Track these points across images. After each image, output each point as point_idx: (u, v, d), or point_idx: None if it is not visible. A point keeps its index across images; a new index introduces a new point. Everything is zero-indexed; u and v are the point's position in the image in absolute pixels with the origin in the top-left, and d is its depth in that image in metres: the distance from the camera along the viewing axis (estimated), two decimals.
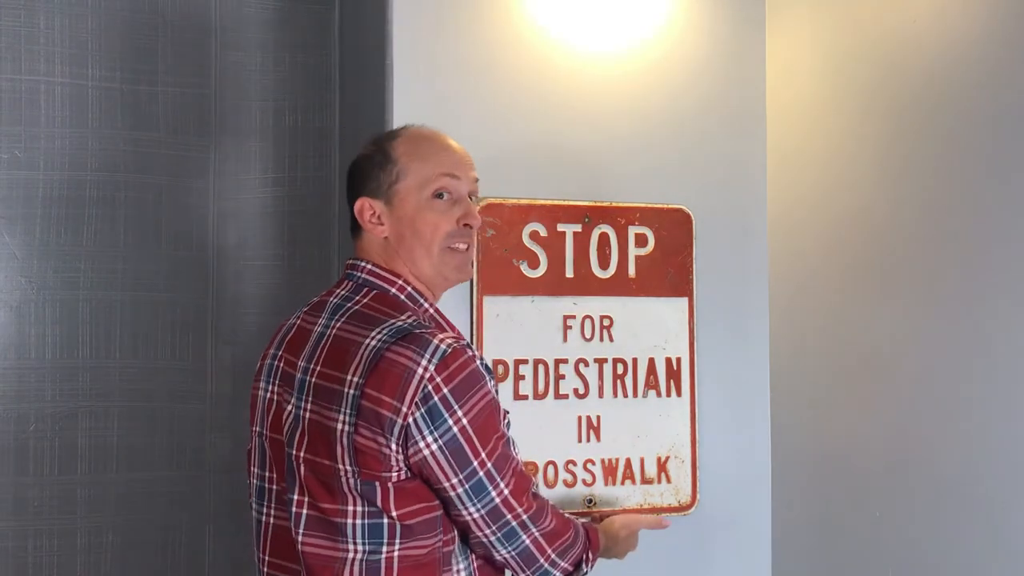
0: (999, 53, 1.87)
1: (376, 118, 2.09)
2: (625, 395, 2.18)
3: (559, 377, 2.13)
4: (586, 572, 1.65)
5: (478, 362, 1.48)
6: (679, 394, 2.22)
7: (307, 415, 1.49)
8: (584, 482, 2.14)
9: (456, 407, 1.43)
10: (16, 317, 2.36)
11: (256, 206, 2.55)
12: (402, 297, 1.57)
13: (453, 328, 1.61)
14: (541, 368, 2.12)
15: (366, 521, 1.45)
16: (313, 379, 1.50)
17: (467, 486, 1.45)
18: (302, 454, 1.49)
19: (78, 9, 2.41)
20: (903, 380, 2.06)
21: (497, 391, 1.53)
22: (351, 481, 1.44)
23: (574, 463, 2.13)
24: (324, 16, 2.61)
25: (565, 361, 2.13)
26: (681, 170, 2.26)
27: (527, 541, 1.52)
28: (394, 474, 1.44)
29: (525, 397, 2.10)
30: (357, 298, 1.56)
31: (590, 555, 1.65)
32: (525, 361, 2.11)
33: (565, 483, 2.12)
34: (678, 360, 2.22)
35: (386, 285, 1.57)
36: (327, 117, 2.59)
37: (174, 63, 2.50)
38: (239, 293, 2.54)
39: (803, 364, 2.30)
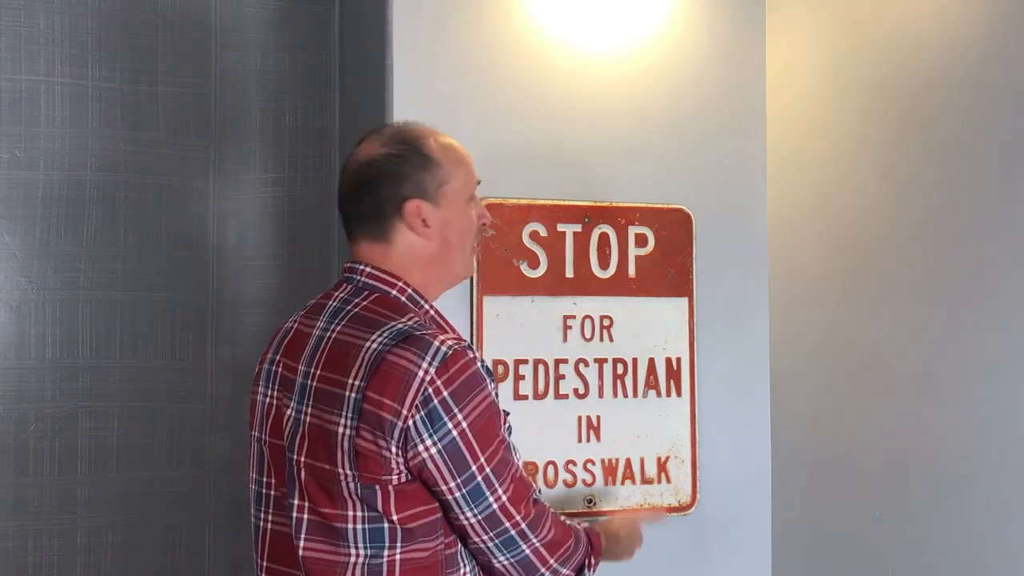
0: (999, 53, 1.87)
1: (376, 118, 2.09)
2: (625, 395, 2.18)
3: (559, 377, 2.13)
4: (589, 570, 1.64)
5: (479, 364, 1.47)
6: (679, 394, 2.22)
7: (308, 419, 1.48)
8: (584, 482, 2.14)
9: (456, 410, 1.42)
10: (16, 317, 2.36)
11: (256, 206, 2.55)
12: (403, 299, 1.56)
13: (452, 329, 1.61)
14: (541, 368, 2.12)
15: (367, 526, 1.44)
16: (314, 383, 1.49)
17: (465, 491, 1.44)
18: (302, 458, 1.48)
19: (78, 9, 2.41)
20: (903, 380, 2.06)
21: (497, 394, 1.52)
22: (351, 485, 1.44)
23: (574, 463, 2.13)
24: (324, 16, 2.61)
25: (565, 361, 2.13)
26: (681, 170, 2.26)
27: (527, 551, 1.51)
28: (394, 477, 1.43)
29: (525, 397, 2.10)
30: (357, 300, 1.54)
31: (592, 560, 1.64)
32: (525, 361, 2.11)
33: (565, 483, 2.12)
34: (678, 360, 2.22)
35: (386, 288, 1.56)
36: (327, 117, 2.59)
37: (174, 63, 2.50)
38: (239, 293, 2.54)
39: (803, 364, 2.30)
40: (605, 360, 2.16)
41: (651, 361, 2.21)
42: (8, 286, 2.36)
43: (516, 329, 2.11)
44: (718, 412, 2.25)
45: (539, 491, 1.61)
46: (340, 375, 1.46)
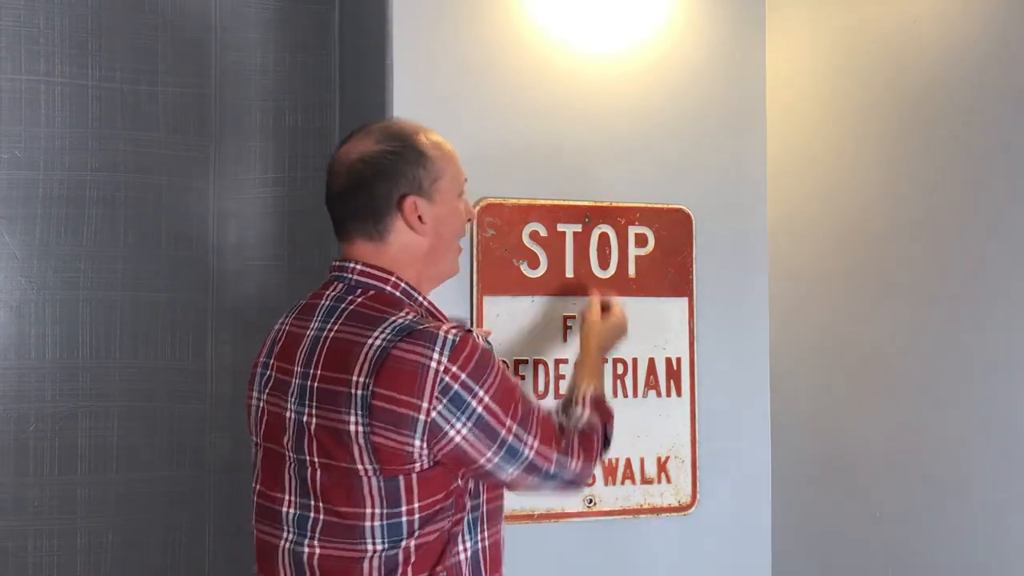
0: (1000, 53, 1.87)
1: (376, 118, 2.09)
2: (625, 395, 2.18)
3: (559, 377, 2.13)
4: (611, 436, 1.73)
5: (482, 342, 1.50)
6: (679, 394, 2.22)
7: (313, 421, 1.48)
8: None
9: (477, 388, 1.44)
10: (16, 317, 2.36)
11: (256, 206, 2.55)
12: (397, 294, 1.55)
13: (446, 319, 1.61)
14: (541, 368, 2.12)
15: (385, 522, 1.45)
16: (315, 384, 1.48)
17: (501, 454, 1.48)
18: (316, 459, 1.48)
19: (78, 9, 2.41)
20: (903, 380, 2.06)
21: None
22: (372, 480, 1.44)
23: None
24: (324, 16, 2.61)
25: (565, 361, 2.13)
26: (681, 170, 2.26)
27: (569, 474, 1.58)
28: (417, 465, 1.44)
29: None
30: (351, 298, 1.53)
31: (608, 427, 1.72)
32: (525, 361, 2.11)
33: None
34: (678, 360, 2.22)
35: (380, 284, 1.55)
36: (327, 117, 2.60)
37: (174, 63, 2.50)
38: (239, 293, 2.54)
39: (803, 364, 2.30)
40: (605, 360, 2.16)
41: (651, 361, 2.21)
42: (8, 286, 2.36)
43: (516, 329, 2.11)
44: (718, 412, 2.25)
45: (558, 413, 1.67)
46: (343, 373, 1.45)
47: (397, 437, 1.42)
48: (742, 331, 2.30)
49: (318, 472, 1.48)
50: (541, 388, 2.12)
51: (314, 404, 1.48)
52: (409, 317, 1.48)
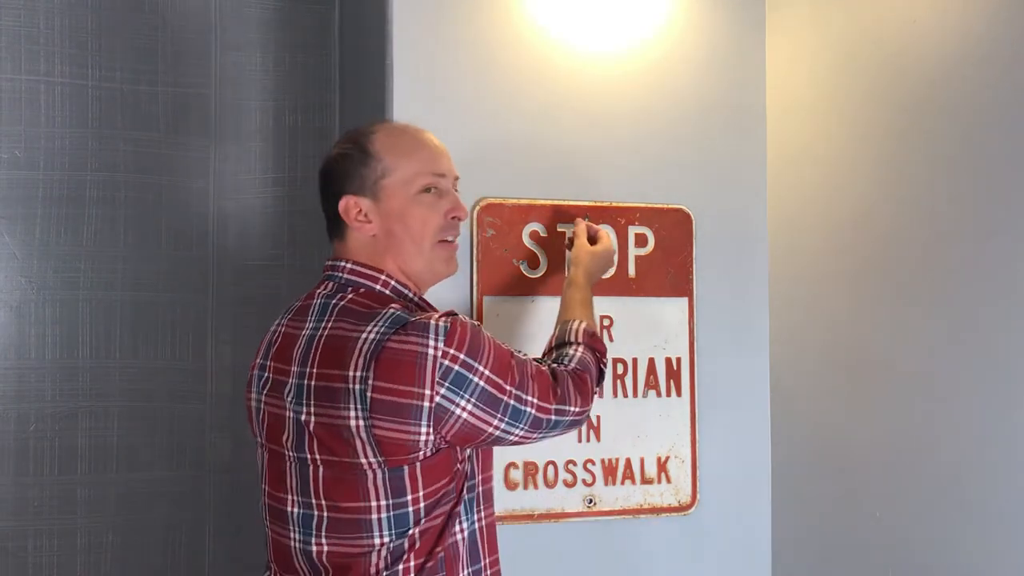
0: (1000, 53, 1.87)
1: (376, 118, 2.09)
2: (625, 395, 2.18)
3: None
4: (605, 367, 1.78)
5: (471, 322, 1.52)
6: (679, 394, 2.22)
7: (312, 419, 1.49)
8: (584, 482, 2.13)
9: (475, 364, 1.47)
10: (16, 317, 2.36)
11: (256, 206, 2.55)
12: (387, 292, 1.58)
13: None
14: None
15: (391, 514, 1.47)
16: (312, 382, 1.50)
17: (507, 419, 1.51)
18: (317, 457, 1.49)
19: (78, 9, 2.42)
20: (903, 380, 2.06)
21: None
22: (376, 473, 1.46)
23: (574, 463, 2.13)
24: (324, 16, 2.61)
25: None
26: (681, 170, 2.26)
27: (570, 417, 1.62)
28: (421, 453, 1.46)
29: None
30: (341, 295, 1.56)
31: (602, 362, 1.76)
32: None
33: (565, 483, 2.12)
34: (678, 360, 2.22)
35: (370, 282, 1.58)
36: (327, 117, 2.60)
37: (174, 63, 2.50)
38: (239, 293, 2.54)
39: (803, 364, 2.30)
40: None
41: (651, 361, 2.21)
42: (8, 286, 2.36)
43: (516, 329, 2.11)
44: (718, 412, 2.25)
45: (547, 362, 1.68)
46: (338, 369, 1.47)
47: (401, 427, 1.44)
48: (742, 331, 2.30)
49: (320, 470, 1.49)
50: None
51: (312, 402, 1.49)
52: (400, 310, 1.49)
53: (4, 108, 2.36)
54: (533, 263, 2.13)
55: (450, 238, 1.63)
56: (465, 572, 1.54)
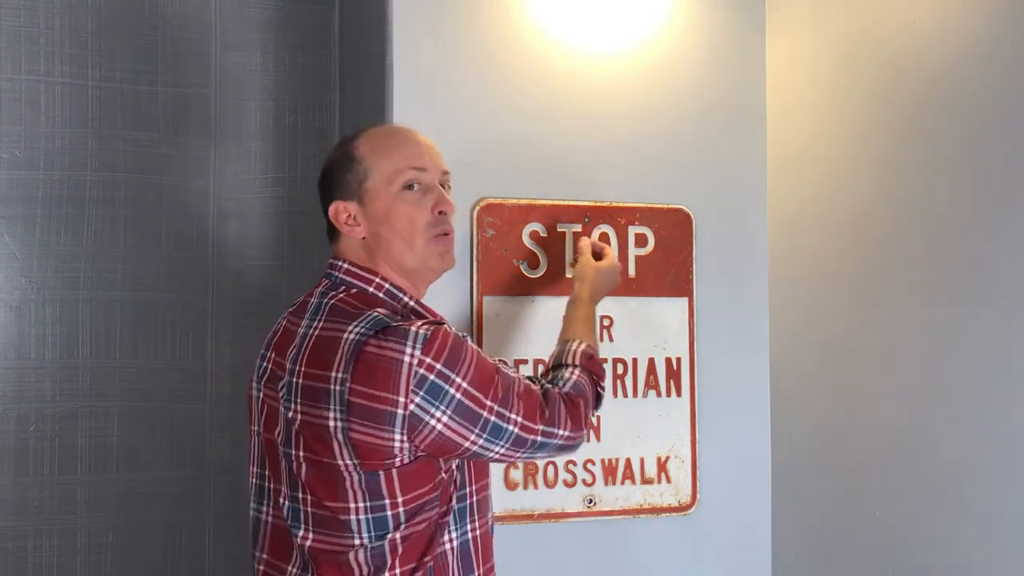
0: (1000, 53, 1.87)
1: (376, 118, 2.09)
2: (625, 395, 2.18)
3: None
4: (603, 391, 1.76)
5: (454, 332, 1.50)
6: (679, 394, 2.22)
7: (298, 417, 1.50)
8: (584, 482, 2.13)
9: (452, 375, 1.46)
10: (16, 317, 2.36)
11: (256, 206, 2.55)
12: (380, 295, 1.58)
13: (436, 315, 1.61)
14: (541, 368, 2.12)
15: (370, 515, 1.47)
16: (300, 380, 1.51)
17: (485, 435, 1.49)
18: (301, 454, 1.50)
19: (78, 9, 2.41)
20: (903, 380, 2.06)
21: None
22: (354, 476, 1.46)
23: (574, 463, 2.13)
24: (324, 16, 2.61)
25: None
26: (681, 170, 2.26)
27: (558, 441, 1.58)
28: (397, 459, 1.46)
29: None
30: (333, 294, 1.57)
31: (600, 386, 1.74)
32: (525, 361, 2.11)
33: (565, 483, 2.12)
34: (678, 360, 2.22)
35: (363, 284, 1.59)
36: (327, 117, 2.59)
37: (174, 63, 2.50)
38: (239, 293, 2.54)
39: (803, 364, 2.30)
40: (605, 360, 2.16)
41: (651, 361, 2.21)
42: (8, 286, 2.36)
43: (516, 329, 2.11)
44: (718, 412, 2.25)
45: (540, 383, 1.65)
46: (323, 369, 1.48)
47: (375, 433, 1.44)
48: (742, 331, 2.30)
49: (303, 467, 1.50)
50: None
51: (298, 401, 1.50)
52: (385, 314, 1.50)
53: (4, 108, 2.36)
54: (533, 263, 2.13)
55: (441, 233, 1.62)
56: None
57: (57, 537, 2.35)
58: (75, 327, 2.40)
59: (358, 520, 1.48)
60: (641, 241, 2.21)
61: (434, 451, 1.48)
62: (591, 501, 2.14)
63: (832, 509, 2.23)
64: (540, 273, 2.13)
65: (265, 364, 1.61)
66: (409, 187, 1.59)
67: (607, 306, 2.16)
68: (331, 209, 1.61)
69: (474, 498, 1.58)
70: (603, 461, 2.15)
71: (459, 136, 2.08)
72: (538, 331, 2.12)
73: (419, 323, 1.48)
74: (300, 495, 1.51)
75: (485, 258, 2.09)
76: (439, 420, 1.45)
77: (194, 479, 2.48)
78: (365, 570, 1.48)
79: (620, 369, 2.18)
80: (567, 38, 2.19)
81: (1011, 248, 1.83)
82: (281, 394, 1.54)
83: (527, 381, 1.59)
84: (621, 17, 2.23)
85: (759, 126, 2.34)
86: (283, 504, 1.54)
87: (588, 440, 2.13)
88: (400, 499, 1.47)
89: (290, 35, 2.59)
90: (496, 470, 2.00)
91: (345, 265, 1.61)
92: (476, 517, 1.59)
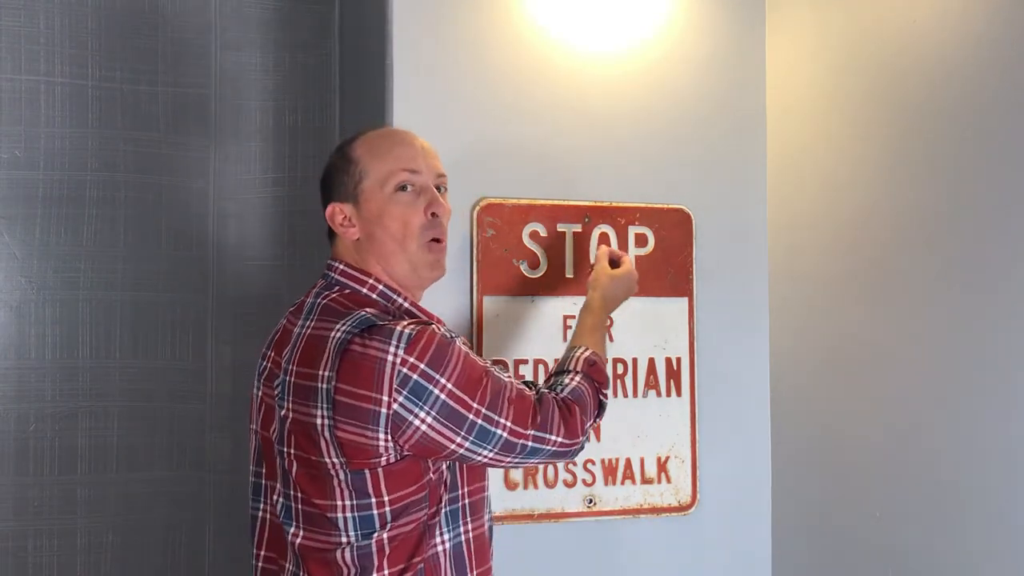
0: (1000, 53, 1.87)
1: (376, 118, 2.09)
2: (625, 395, 2.18)
3: None
4: (605, 399, 1.73)
5: (442, 331, 1.49)
6: (679, 394, 2.22)
7: (290, 416, 1.52)
8: (584, 482, 2.14)
9: (437, 375, 1.45)
10: (16, 317, 2.36)
11: (256, 206, 2.55)
12: (373, 295, 1.59)
13: (432, 317, 1.61)
14: (541, 368, 2.12)
15: (356, 514, 1.48)
16: (292, 379, 1.52)
17: (472, 438, 1.48)
18: (293, 451, 1.52)
19: (78, 9, 2.41)
20: (903, 380, 2.06)
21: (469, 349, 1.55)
22: (340, 474, 1.47)
23: (574, 463, 2.13)
24: (324, 16, 2.61)
25: None
26: (681, 170, 2.26)
27: (551, 448, 1.57)
28: (383, 459, 1.46)
29: None
30: (326, 293, 1.58)
31: (602, 393, 1.71)
32: (525, 361, 2.11)
33: (565, 483, 2.12)
34: (678, 360, 2.22)
35: (357, 285, 1.60)
36: (327, 117, 2.59)
37: (174, 63, 2.50)
38: (239, 293, 2.54)
39: (803, 365, 2.30)
40: (606, 361, 2.16)
41: (651, 361, 2.21)
42: (8, 286, 2.36)
43: (516, 329, 2.11)
44: (718, 412, 2.25)
45: (535, 388, 1.63)
46: (312, 368, 1.49)
47: (360, 431, 1.45)
48: (742, 331, 2.30)
49: (294, 465, 1.52)
50: None
51: (290, 399, 1.52)
52: (374, 314, 1.50)
53: (4, 108, 2.36)
54: (533, 263, 2.13)
55: (434, 239, 1.61)
56: None
57: (57, 537, 2.35)
58: (75, 327, 2.40)
59: (344, 518, 1.48)
60: (641, 241, 2.21)
61: (420, 452, 1.48)
62: (591, 501, 2.14)
63: (832, 509, 2.23)
64: (540, 273, 2.13)
65: (266, 363, 1.63)
66: (402, 188, 1.59)
67: None
68: (328, 211, 1.63)
69: (467, 500, 1.58)
70: (603, 461, 2.15)
71: (459, 136, 2.08)
72: (538, 331, 2.12)
73: (405, 323, 1.48)
74: (292, 492, 1.53)
75: (485, 258, 2.09)
76: (423, 421, 1.45)
77: (194, 479, 2.48)
78: (353, 570, 1.48)
79: (620, 369, 2.18)
80: (567, 38, 2.19)
81: (1011, 248, 1.83)
82: (276, 392, 1.55)
83: (521, 386, 1.57)
84: (621, 17, 2.23)
85: (759, 126, 2.34)
86: (277, 501, 1.56)
87: (588, 440, 2.14)
88: (386, 498, 1.48)
89: (290, 35, 2.59)
90: (496, 471, 2.00)
91: (340, 266, 1.62)
92: (470, 519, 1.58)
